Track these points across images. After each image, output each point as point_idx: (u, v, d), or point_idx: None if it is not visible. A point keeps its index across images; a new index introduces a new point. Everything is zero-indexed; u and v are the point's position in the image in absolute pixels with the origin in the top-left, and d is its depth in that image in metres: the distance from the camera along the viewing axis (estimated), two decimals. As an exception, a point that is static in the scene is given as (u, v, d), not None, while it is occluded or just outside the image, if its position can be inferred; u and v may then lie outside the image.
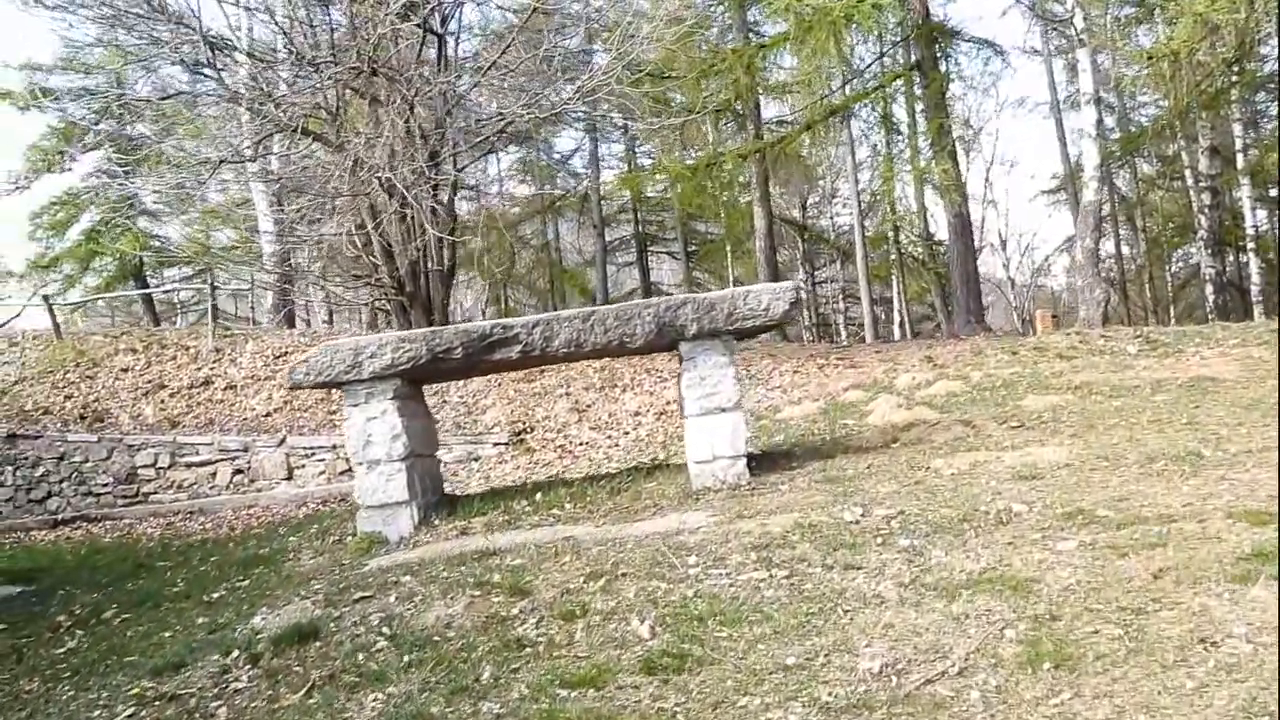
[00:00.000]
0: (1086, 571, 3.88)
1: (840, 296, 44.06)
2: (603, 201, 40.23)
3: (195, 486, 15.05)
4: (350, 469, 14.01)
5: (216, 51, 15.89)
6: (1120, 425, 7.09)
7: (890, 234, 31.59)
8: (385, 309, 18.91)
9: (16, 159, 36.02)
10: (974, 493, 5.50)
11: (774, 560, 4.62)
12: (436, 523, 6.94)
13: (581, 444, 12.19)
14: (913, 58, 19.69)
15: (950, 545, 4.52)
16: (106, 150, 28.68)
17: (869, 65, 20.69)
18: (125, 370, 17.83)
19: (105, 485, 15.32)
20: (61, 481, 15.54)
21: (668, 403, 13.42)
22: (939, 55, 18.39)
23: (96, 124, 27.90)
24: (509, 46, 17.46)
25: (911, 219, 29.57)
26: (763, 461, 7.60)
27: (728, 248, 35.06)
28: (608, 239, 42.63)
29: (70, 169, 31.10)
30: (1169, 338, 12.42)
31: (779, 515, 5.50)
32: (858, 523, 5.10)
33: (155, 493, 15.15)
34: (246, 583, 6.73)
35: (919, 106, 20.59)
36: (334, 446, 13.96)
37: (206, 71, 15.57)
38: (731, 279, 35.88)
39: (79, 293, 32.02)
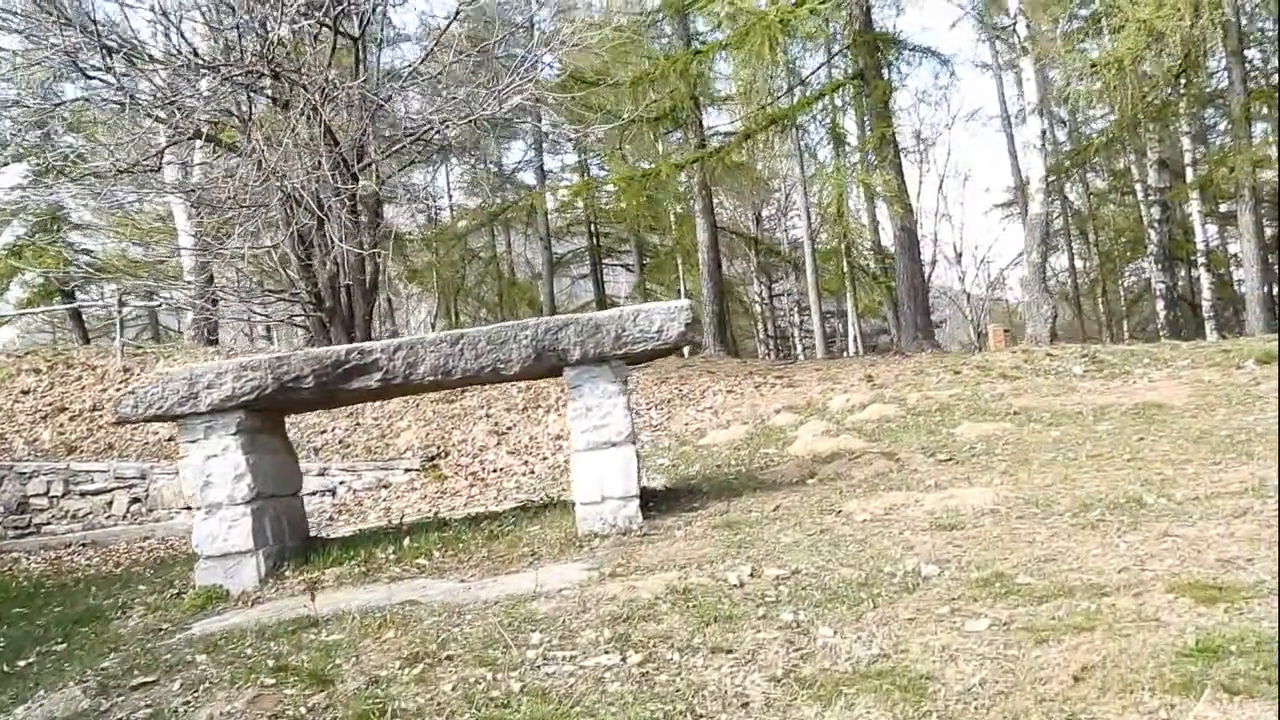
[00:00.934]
0: (995, 666, 3.12)
1: (795, 310, 43.55)
2: (554, 214, 39.45)
3: (90, 516, 13.99)
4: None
5: (113, 55, 14.95)
6: (1057, 461, 6.38)
7: (841, 247, 31.04)
8: (305, 326, 17.98)
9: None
10: (882, 546, 4.74)
11: (632, 639, 3.81)
12: (288, 574, 6.08)
13: (496, 470, 11.33)
14: (860, 66, 19.11)
15: (842, 621, 3.74)
16: (29, 162, 27.49)
17: (812, 74, 20.07)
18: (26, 392, 16.71)
19: (-6, 515, 14.23)
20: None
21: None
22: (882, 64, 17.80)
23: (17, 134, 26.70)
24: (428, 55, 16.69)
25: (862, 232, 29.01)
26: (664, 500, 6.81)
27: (678, 260, 34.39)
28: (561, 251, 41.90)
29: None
30: (1116, 358, 11.82)
31: (657, 574, 4.70)
32: (742, 586, 4.32)
33: (48, 523, 14.05)
34: (63, 646, 5.81)
35: (867, 118, 20.02)
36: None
37: (104, 77, 14.64)
38: (683, 291, 35.20)
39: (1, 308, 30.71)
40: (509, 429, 12.86)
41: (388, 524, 7.11)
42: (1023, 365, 12.26)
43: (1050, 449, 6.84)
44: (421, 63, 16.54)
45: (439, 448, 12.47)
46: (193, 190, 17.21)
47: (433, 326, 41.01)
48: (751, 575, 4.46)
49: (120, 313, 18.30)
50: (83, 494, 14.03)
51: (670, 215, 32.92)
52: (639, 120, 19.33)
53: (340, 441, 13.08)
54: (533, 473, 10.99)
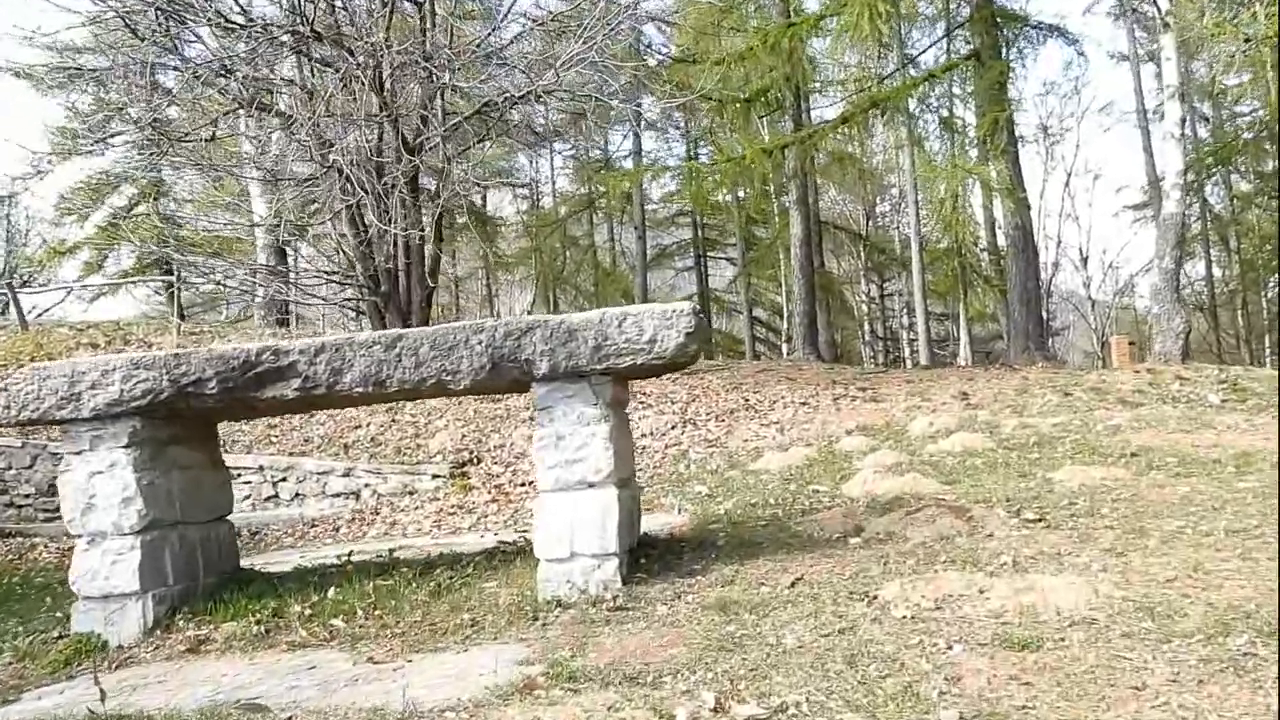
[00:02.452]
0: None
1: (905, 312, 41.32)
2: (658, 205, 38.19)
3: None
4: (276, 494, 12.15)
5: (168, 20, 14.21)
6: (1184, 536, 4.74)
7: (954, 246, 28.85)
8: (362, 310, 17.07)
9: (41, 142, 35.19)
10: (917, 671, 3.26)
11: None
12: (180, 624, 4.90)
13: (525, 484, 10.07)
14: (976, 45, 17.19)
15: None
16: (132, 135, 27.49)
17: (922, 53, 18.20)
18: (80, 367, 16.23)
19: (27, 496, 13.67)
20: (-16, 484, 13.94)
21: (671, 425, 11.26)
22: (1000, 42, 15.88)
23: (121, 108, 26.67)
24: (496, 28, 15.50)
25: (976, 230, 26.83)
26: (665, 553, 5.41)
27: (780, 253, 32.68)
28: (666, 242, 40.62)
29: (102, 153, 29.89)
30: (1262, 385, 9.88)
31: (591, 690, 3.33)
32: (690, 734, 2.92)
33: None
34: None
35: (982, 103, 18.05)
36: (261, 468, 12.04)
37: (159, 39, 13.91)
38: (784, 289, 33.53)
39: (101, 280, 31.03)
40: (552, 434, 11.59)
41: (337, 559, 5.89)
42: (1147, 389, 10.41)
43: (1176, 514, 5.18)
44: (490, 35, 15.38)
45: (472, 453, 11.29)
46: (248, 163, 16.45)
47: (529, 313, 40.32)
48: (715, 711, 3.05)
49: (178, 289, 17.73)
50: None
51: (775, 206, 31.32)
52: (727, 101, 17.84)
53: (372, 439, 12.03)
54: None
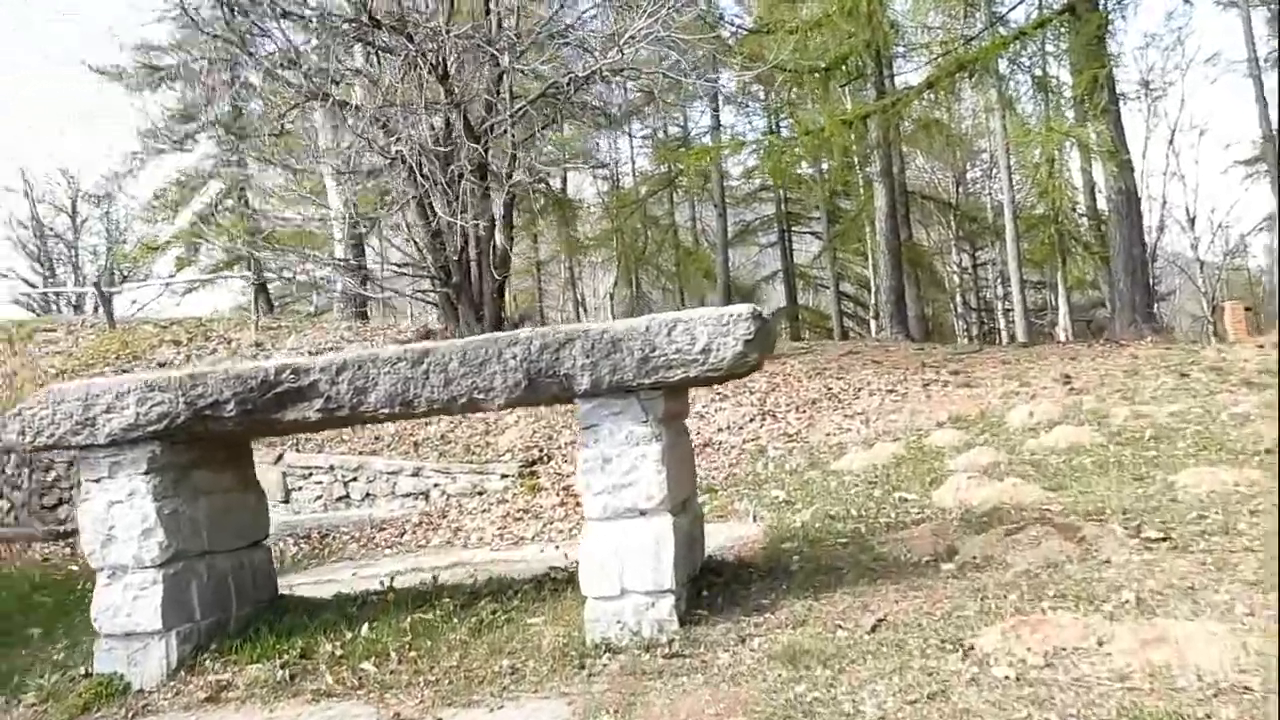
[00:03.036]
0: None
1: (999, 282, 39.69)
2: (739, 182, 37.29)
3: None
4: (347, 495, 11.92)
5: (233, 13, 14.06)
6: (1346, 564, 4.00)
7: (1051, 213, 27.39)
8: (434, 302, 16.78)
9: (131, 141, 35.95)
10: (1025, 765, 2.66)
11: None
12: (207, 664, 4.53)
13: (596, 484, 9.59)
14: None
15: None
16: (216, 132, 27.78)
17: (1011, 10, 17.05)
18: (162, 365, 16.32)
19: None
20: (72, 488, 14.08)
21: (750, 418, 10.68)
22: (1098, -7, 14.72)
23: (206, 105, 26.94)
24: (569, 2, 14.93)
25: (1074, 195, 25.40)
26: (732, 582, 4.84)
27: (865, 226, 31.56)
28: (750, 218, 39.72)
29: (190, 150, 30.29)
30: None
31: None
32: None
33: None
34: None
35: (1078, 59, 16.84)
36: (331, 467, 11.82)
37: (225, 34, 13.79)
38: (871, 264, 32.40)
39: (191, 275, 31.59)
40: (625, 428, 11.10)
41: (381, 585, 5.46)
42: (1275, 369, 9.43)
43: (1331, 531, 4.42)
44: (556, 13, 14.84)
45: (542, 450, 10.86)
46: (320, 156, 16.25)
47: (611, 297, 40.10)
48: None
49: (253, 285, 17.71)
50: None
51: (859, 178, 30.23)
52: (804, 72, 17.00)
53: (441, 437, 11.69)
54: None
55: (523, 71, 15.25)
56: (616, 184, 39.16)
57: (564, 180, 37.66)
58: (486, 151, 13.66)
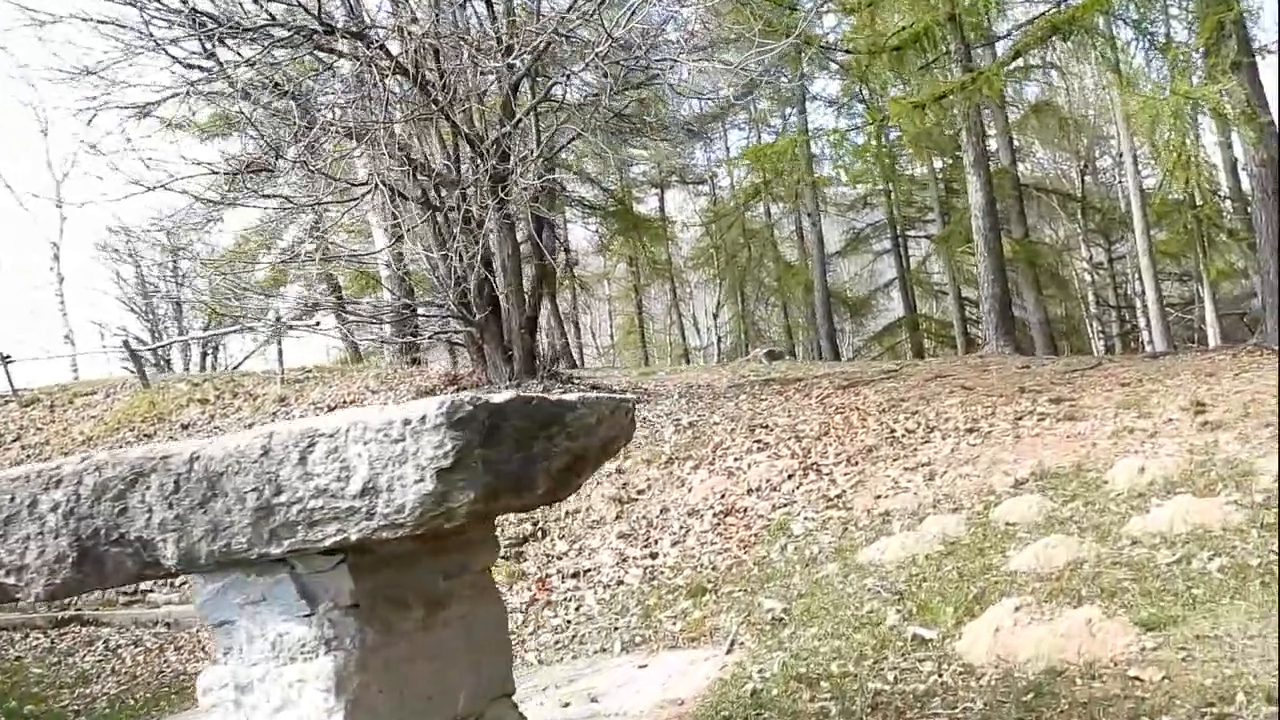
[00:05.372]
0: None
1: (1136, 277, 35.91)
2: (844, 188, 34.95)
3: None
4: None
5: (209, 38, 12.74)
6: None
7: (1186, 195, 24.02)
8: (459, 343, 15.10)
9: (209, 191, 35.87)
10: None
11: None
12: None
13: (576, 576, 7.60)
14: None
15: None
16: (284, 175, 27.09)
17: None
18: (185, 426, 15.19)
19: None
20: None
21: (787, 475, 8.54)
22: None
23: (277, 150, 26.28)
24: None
25: (1211, 172, 22.13)
26: None
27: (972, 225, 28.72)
28: (860, 225, 37.33)
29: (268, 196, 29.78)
30: None
31: None
32: None
33: (151, 590, 12.09)
34: None
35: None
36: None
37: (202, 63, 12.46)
38: (977, 269, 29.47)
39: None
40: (641, 492, 9.09)
41: None
42: None
43: None
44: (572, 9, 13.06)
45: (538, 524, 8.94)
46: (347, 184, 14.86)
47: (715, 316, 38.50)
48: None
49: (279, 332, 16.45)
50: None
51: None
52: (874, 52, 14.77)
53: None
54: (620, 584, 7.16)
55: (545, 77, 13.57)
56: (715, 199, 37.42)
57: (661, 198, 36.10)
58: (501, 170, 12.00)
